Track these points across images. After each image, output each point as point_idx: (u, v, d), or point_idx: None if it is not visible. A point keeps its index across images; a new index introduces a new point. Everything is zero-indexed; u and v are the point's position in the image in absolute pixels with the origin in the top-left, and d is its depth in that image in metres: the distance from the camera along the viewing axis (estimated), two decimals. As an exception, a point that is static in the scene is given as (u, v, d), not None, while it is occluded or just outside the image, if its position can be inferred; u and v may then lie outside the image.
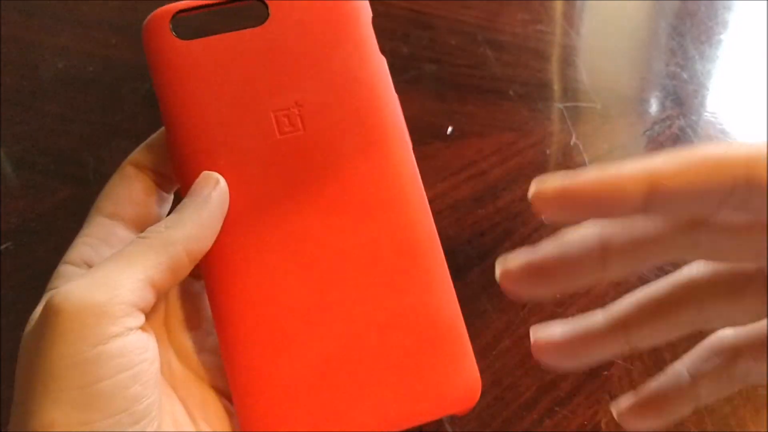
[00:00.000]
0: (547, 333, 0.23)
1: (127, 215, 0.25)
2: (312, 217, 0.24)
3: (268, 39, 0.25)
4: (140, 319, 0.21)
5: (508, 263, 0.21)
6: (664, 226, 0.21)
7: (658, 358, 0.33)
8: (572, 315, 0.23)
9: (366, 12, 0.26)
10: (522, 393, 0.32)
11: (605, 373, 0.33)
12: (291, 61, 0.25)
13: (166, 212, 0.26)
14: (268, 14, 0.25)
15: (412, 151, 0.25)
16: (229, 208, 0.24)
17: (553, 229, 0.39)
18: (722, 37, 0.54)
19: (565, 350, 0.23)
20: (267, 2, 0.25)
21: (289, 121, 0.24)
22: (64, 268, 0.23)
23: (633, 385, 0.32)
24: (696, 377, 0.24)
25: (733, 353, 0.24)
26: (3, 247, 0.40)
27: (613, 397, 0.32)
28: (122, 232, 0.24)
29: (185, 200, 0.23)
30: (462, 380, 0.24)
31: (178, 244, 0.22)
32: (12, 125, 0.48)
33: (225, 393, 0.25)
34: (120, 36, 0.54)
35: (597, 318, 0.23)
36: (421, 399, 0.24)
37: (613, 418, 0.31)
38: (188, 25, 0.25)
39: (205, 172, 0.24)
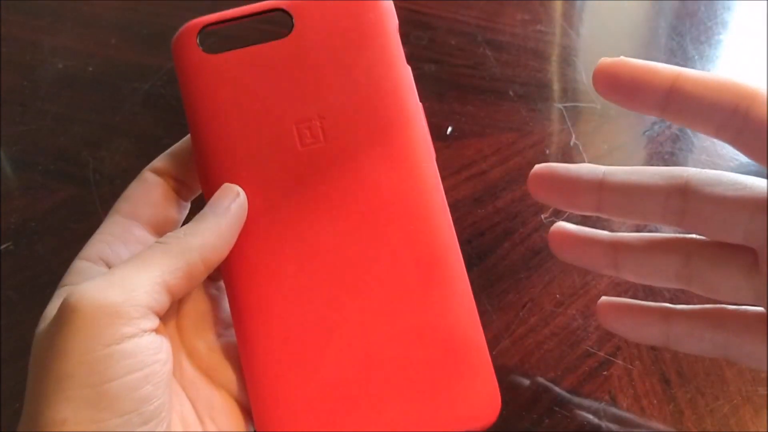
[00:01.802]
0: (563, 226, 0.29)
1: (144, 216, 0.25)
2: (331, 229, 0.24)
3: (292, 51, 0.25)
4: (154, 321, 0.21)
5: (536, 168, 0.28)
6: (659, 184, 0.25)
7: (657, 358, 0.33)
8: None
9: (392, 20, 0.26)
10: (522, 393, 0.33)
11: (605, 373, 0.33)
12: (314, 72, 0.25)
13: (183, 219, 0.27)
14: (292, 25, 0.25)
15: (435, 161, 0.25)
16: (251, 219, 0.24)
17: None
18: (722, 37, 0.54)
19: (571, 243, 0.29)
20: (292, 13, 0.25)
21: (310, 133, 0.25)
22: (80, 264, 0.24)
23: (633, 385, 0.32)
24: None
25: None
26: (3, 247, 0.40)
27: (613, 397, 0.32)
28: (139, 232, 0.25)
29: (205, 209, 0.24)
30: (481, 396, 0.24)
31: (195, 251, 0.23)
32: (12, 125, 0.48)
33: (234, 394, 0.25)
34: (120, 36, 0.54)
35: (604, 233, 0.28)
36: (438, 413, 0.23)
37: (613, 418, 0.31)
38: (220, 34, 0.25)
39: (226, 184, 0.24)
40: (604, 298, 0.29)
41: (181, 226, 0.27)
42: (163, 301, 0.22)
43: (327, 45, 0.25)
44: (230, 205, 0.24)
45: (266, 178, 0.25)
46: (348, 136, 0.25)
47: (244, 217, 0.24)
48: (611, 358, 0.34)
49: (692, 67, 0.51)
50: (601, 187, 0.26)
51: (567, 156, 0.44)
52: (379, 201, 0.24)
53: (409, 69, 0.25)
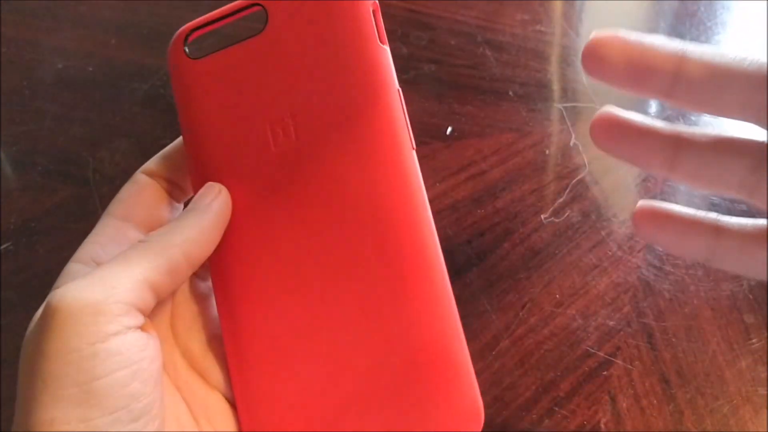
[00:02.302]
0: (612, 110, 0.23)
1: (137, 218, 0.25)
2: (306, 229, 0.24)
3: (265, 48, 0.25)
4: (139, 318, 0.21)
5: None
6: (748, 71, 0.21)
7: (657, 358, 0.33)
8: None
9: (364, 5, 0.24)
10: (521, 393, 0.32)
11: (605, 373, 0.33)
12: (287, 69, 0.24)
13: None
14: (266, 20, 0.25)
15: (413, 152, 0.24)
16: (233, 220, 0.25)
17: (552, 230, 0.39)
18: (722, 37, 0.54)
19: (621, 130, 0.23)
20: (266, 8, 0.25)
21: (283, 132, 0.24)
22: (71, 267, 0.24)
23: (633, 385, 0.32)
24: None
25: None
26: (3, 247, 0.40)
27: (613, 397, 0.32)
28: (132, 233, 0.25)
29: (188, 207, 0.24)
30: (461, 406, 0.23)
31: (177, 247, 0.23)
32: (12, 125, 0.48)
33: (229, 395, 0.25)
34: (120, 36, 0.54)
35: (662, 123, 0.24)
36: (417, 422, 0.23)
37: (612, 417, 0.31)
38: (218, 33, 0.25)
39: (209, 183, 0.25)
40: (642, 201, 0.25)
41: None
42: (146, 299, 0.22)
43: (299, 38, 0.24)
44: (212, 202, 0.24)
45: (244, 181, 0.25)
46: (318, 133, 0.24)
47: (228, 214, 0.24)
48: (611, 358, 0.34)
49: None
50: (679, 66, 0.22)
51: (567, 156, 0.44)
52: (350, 200, 0.24)
53: (386, 51, 0.24)
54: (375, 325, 0.23)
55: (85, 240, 0.25)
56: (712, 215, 0.25)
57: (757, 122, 0.22)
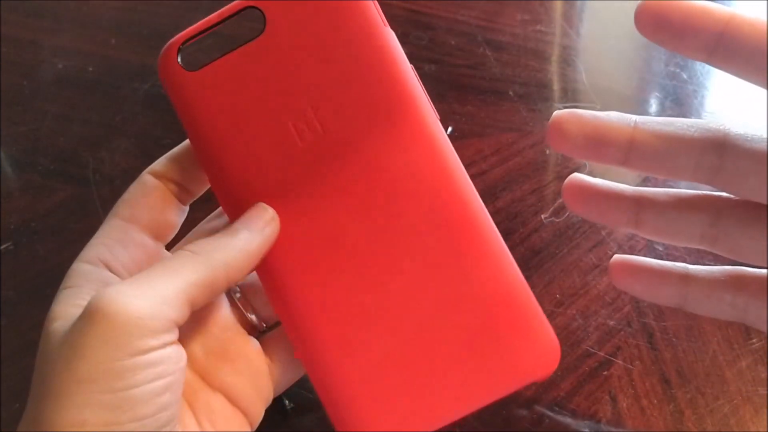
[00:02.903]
0: (580, 177, 0.26)
1: (142, 220, 0.25)
2: (353, 212, 0.24)
3: (269, 48, 0.24)
4: (176, 334, 0.22)
5: (558, 113, 0.25)
6: (694, 137, 0.23)
7: (657, 358, 0.33)
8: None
9: None
10: (522, 392, 0.32)
11: (605, 372, 0.33)
12: (298, 64, 0.24)
13: (181, 223, 0.27)
14: (264, 21, 0.24)
15: (438, 121, 0.24)
16: (282, 224, 0.24)
17: (552, 230, 0.39)
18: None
19: (589, 195, 0.26)
20: (262, 9, 0.24)
21: (307, 126, 0.24)
22: (82, 267, 0.24)
23: (633, 385, 0.32)
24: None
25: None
26: (3, 247, 0.40)
27: (613, 397, 0.32)
28: (137, 236, 0.25)
29: (238, 225, 0.24)
30: (539, 345, 0.23)
31: (222, 267, 0.23)
32: (12, 125, 0.48)
33: (231, 397, 0.25)
34: (120, 36, 0.54)
35: (626, 186, 0.26)
36: (501, 372, 0.23)
37: (612, 417, 0.31)
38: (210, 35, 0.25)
39: (263, 205, 0.24)
40: (617, 256, 0.27)
41: (178, 231, 0.27)
42: (186, 314, 0.22)
43: (302, 33, 0.24)
44: (265, 228, 0.24)
45: (278, 182, 0.24)
46: (344, 120, 0.24)
47: (273, 242, 0.24)
48: (611, 358, 0.34)
49: (692, 67, 0.51)
50: (632, 137, 0.24)
51: (567, 156, 0.44)
52: (389, 176, 0.24)
53: (391, 33, 0.24)
54: (442, 289, 0.24)
55: (92, 240, 0.25)
56: (681, 265, 0.27)
57: (709, 183, 0.24)
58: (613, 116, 0.24)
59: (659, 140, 0.24)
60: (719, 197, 0.25)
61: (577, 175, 0.26)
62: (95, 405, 0.19)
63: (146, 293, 0.21)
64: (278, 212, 0.24)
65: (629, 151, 0.24)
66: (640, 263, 0.27)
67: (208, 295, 0.22)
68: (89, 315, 0.20)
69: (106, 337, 0.20)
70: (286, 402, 0.32)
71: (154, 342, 0.20)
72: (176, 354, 0.21)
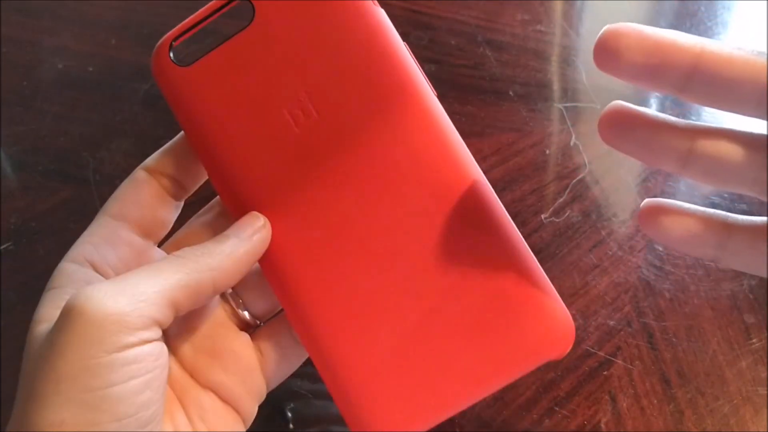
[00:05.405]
0: (622, 104, 0.23)
1: (132, 217, 0.25)
2: (356, 194, 0.24)
3: (261, 36, 0.24)
4: (157, 332, 0.21)
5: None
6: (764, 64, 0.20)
7: (657, 358, 0.33)
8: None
9: None
10: (522, 393, 0.32)
11: (605, 373, 0.33)
12: (289, 51, 0.24)
13: (174, 219, 0.27)
14: (253, 11, 0.24)
15: (436, 96, 0.24)
16: (278, 211, 0.24)
17: (552, 230, 0.39)
18: (722, 37, 0.54)
19: (632, 123, 0.22)
20: (252, 0, 0.24)
21: (302, 112, 0.24)
22: (67, 267, 0.24)
23: (633, 385, 0.32)
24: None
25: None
26: (3, 247, 0.40)
27: (613, 397, 0.32)
28: (126, 234, 0.25)
29: (229, 232, 0.24)
30: (554, 323, 0.23)
31: (208, 273, 0.22)
32: (12, 125, 0.48)
33: (221, 394, 0.25)
34: (120, 36, 0.54)
35: (675, 118, 0.23)
36: (516, 351, 0.23)
37: (612, 417, 0.31)
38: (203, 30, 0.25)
39: (254, 213, 0.24)
40: (649, 200, 0.24)
41: (173, 226, 0.27)
42: (167, 315, 0.22)
43: (290, 19, 0.24)
44: (253, 235, 0.24)
45: (276, 170, 0.24)
46: (340, 103, 0.24)
47: (263, 250, 0.24)
48: (611, 358, 0.34)
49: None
50: (697, 60, 0.20)
51: (567, 156, 0.44)
52: (391, 156, 0.24)
53: (383, 12, 0.24)
54: (451, 270, 0.23)
55: (79, 239, 0.24)
56: (721, 213, 0.24)
57: None
58: (676, 35, 0.21)
59: (726, 66, 0.20)
60: None
61: (619, 102, 0.22)
62: (74, 404, 0.19)
63: (125, 291, 0.20)
64: (279, 201, 0.24)
65: (691, 77, 0.21)
66: (677, 207, 0.24)
67: (194, 298, 0.22)
68: (66, 313, 0.20)
69: (83, 334, 0.19)
70: (289, 415, 0.32)
71: (131, 338, 0.20)
72: (156, 351, 0.21)
